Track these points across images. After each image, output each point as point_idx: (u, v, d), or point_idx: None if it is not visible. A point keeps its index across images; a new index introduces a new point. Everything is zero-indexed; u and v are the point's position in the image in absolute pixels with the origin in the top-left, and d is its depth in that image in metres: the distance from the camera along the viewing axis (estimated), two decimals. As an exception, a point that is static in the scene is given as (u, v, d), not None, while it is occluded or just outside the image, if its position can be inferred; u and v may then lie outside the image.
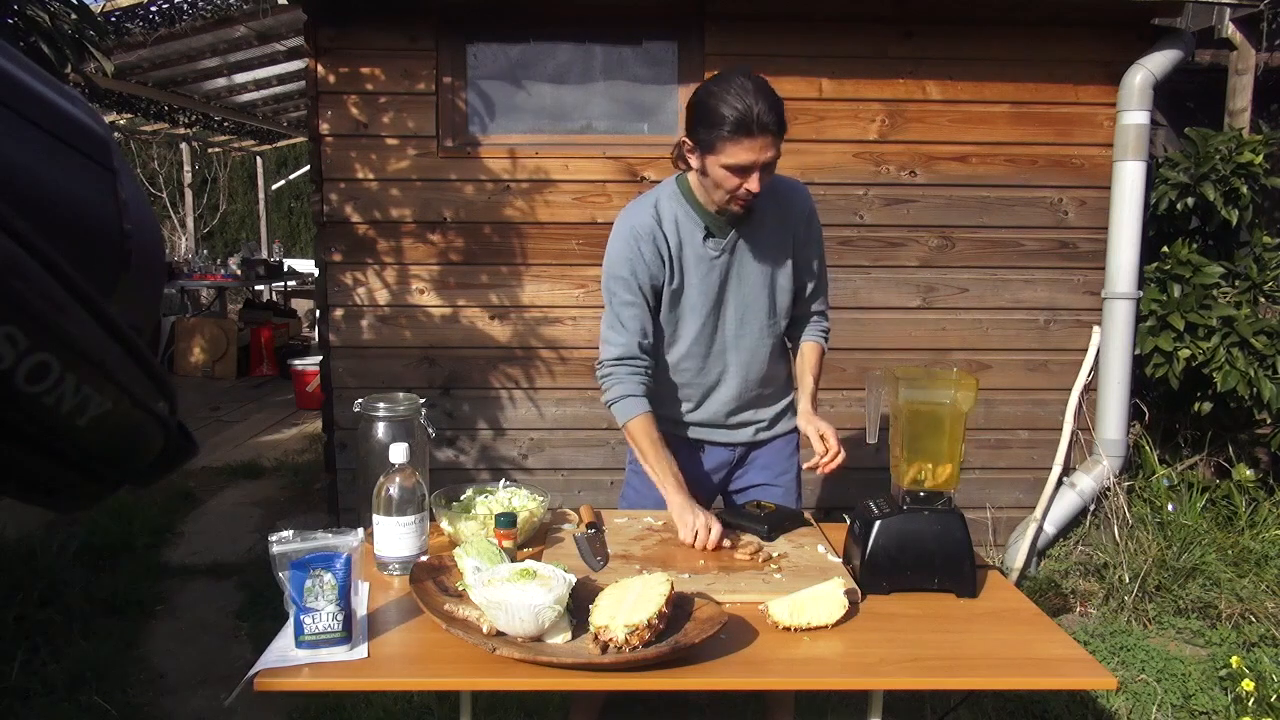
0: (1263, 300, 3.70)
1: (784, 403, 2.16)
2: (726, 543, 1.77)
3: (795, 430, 2.20)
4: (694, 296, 1.97)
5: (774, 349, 2.08)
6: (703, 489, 2.12)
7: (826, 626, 1.44)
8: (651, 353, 1.96)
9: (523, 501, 1.83)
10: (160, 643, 3.07)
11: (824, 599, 1.45)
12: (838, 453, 1.91)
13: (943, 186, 3.66)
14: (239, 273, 9.01)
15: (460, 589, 1.43)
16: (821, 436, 1.93)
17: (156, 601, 3.37)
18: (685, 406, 2.08)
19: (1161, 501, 3.64)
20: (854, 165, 3.63)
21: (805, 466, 1.97)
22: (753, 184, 1.80)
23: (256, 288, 9.28)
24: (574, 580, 1.38)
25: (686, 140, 1.87)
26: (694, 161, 1.87)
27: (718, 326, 2.01)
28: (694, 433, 2.10)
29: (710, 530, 1.76)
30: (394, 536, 1.61)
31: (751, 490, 2.12)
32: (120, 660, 2.88)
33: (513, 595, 1.30)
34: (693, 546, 1.77)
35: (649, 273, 1.93)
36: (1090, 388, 3.73)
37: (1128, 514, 3.58)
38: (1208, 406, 3.69)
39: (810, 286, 2.11)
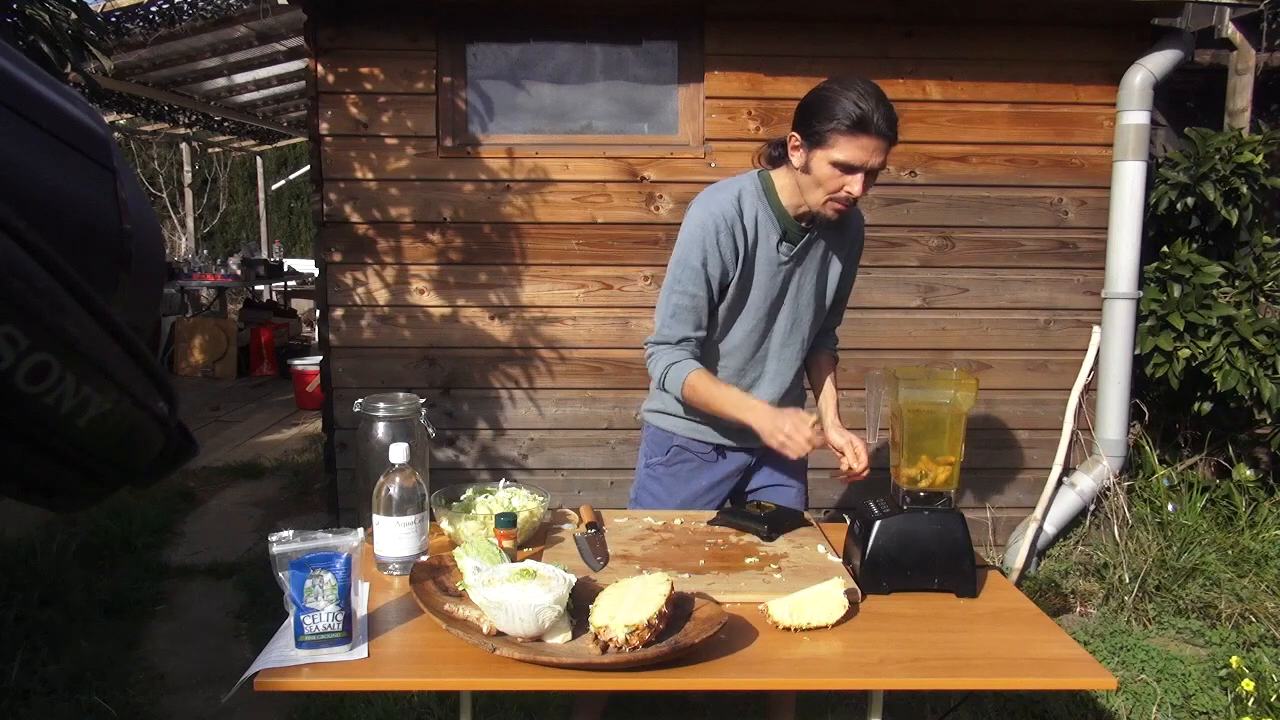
0: (1263, 300, 3.69)
1: (801, 404, 2.16)
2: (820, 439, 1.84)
3: None
4: (756, 297, 1.97)
5: (803, 358, 2.11)
6: (720, 494, 2.13)
7: (826, 626, 1.44)
8: (700, 344, 1.96)
9: (523, 501, 1.83)
10: (160, 643, 3.07)
11: (824, 599, 1.45)
12: (866, 466, 1.93)
13: (943, 186, 3.66)
14: (239, 273, 9.02)
15: (460, 589, 1.43)
16: (852, 445, 1.94)
17: (156, 601, 3.37)
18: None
19: (1161, 501, 3.64)
20: (854, 165, 3.63)
21: (837, 474, 1.97)
22: (855, 186, 1.80)
23: (256, 288, 9.28)
24: (574, 580, 1.38)
25: (794, 135, 1.86)
26: (797, 158, 1.86)
27: (768, 331, 2.02)
28: (716, 437, 2.08)
29: (801, 430, 1.80)
30: (394, 536, 1.61)
31: (763, 490, 2.13)
32: (120, 660, 2.88)
33: (513, 595, 1.30)
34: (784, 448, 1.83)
35: (721, 265, 1.90)
36: (1090, 388, 3.73)
37: (1128, 514, 3.58)
38: (1208, 406, 3.69)
39: (839, 303, 2.16)
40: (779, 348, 2.04)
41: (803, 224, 1.95)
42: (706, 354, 2.02)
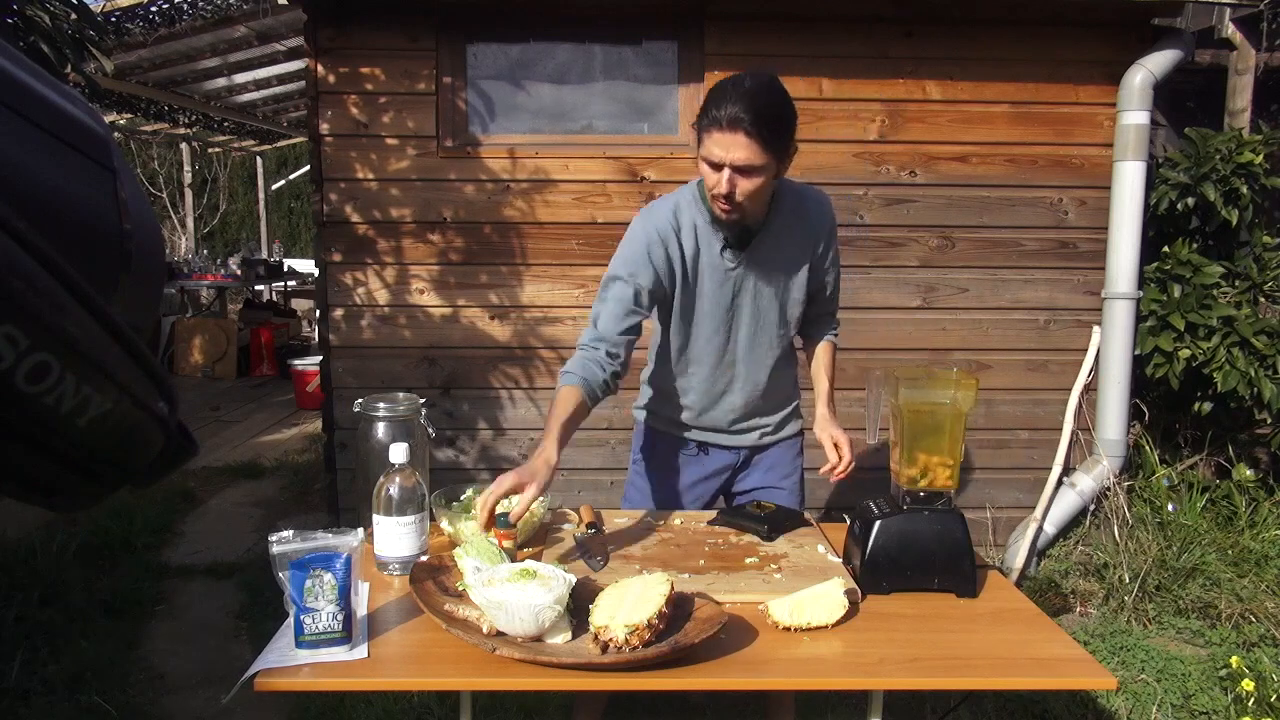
0: (1263, 300, 3.69)
1: (789, 408, 2.15)
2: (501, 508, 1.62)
3: (800, 433, 2.20)
4: (706, 306, 1.95)
5: (781, 356, 2.07)
6: (705, 491, 2.13)
7: (826, 626, 1.44)
8: (620, 352, 1.86)
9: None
10: (160, 643, 3.07)
11: (824, 599, 1.45)
12: (850, 462, 1.91)
13: (943, 186, 3.66)
14: (239, 273, 9.01)
15: (460, 589, 1.43)
16: (835, 445, 1.92)
17: (156, 601, 3.37)
18: (689, 413, 2.08)
19: (1161, 501, 3.63)
20: (854, 165, 3.63)
21: (820, 473, 1.96)
22: (723, 183, 1.74)
23: (256, 288, 9.28)
24: (574, 580, 1.38)
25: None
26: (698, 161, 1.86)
27: (730, 337, 1.99)
28: (697, 435, 2.10)
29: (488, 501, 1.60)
30: (394, 536, 1.61)
31: (756, 492, 2.12)
32: (120, 660, 2.88)
33: (513, 595, 1.30)
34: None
35: (653, 279, 1.87)
36: (1090, 388, 3.73)
37: (1128, 514, 3.58)
38: (1208, 406, 3.69)
39: (825, 295, 2.10)
40: (746, 352, 2.00)
41: (729, 229, 1.90)
42: (675, 366, 2.02)
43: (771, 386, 2.07)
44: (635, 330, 1.89)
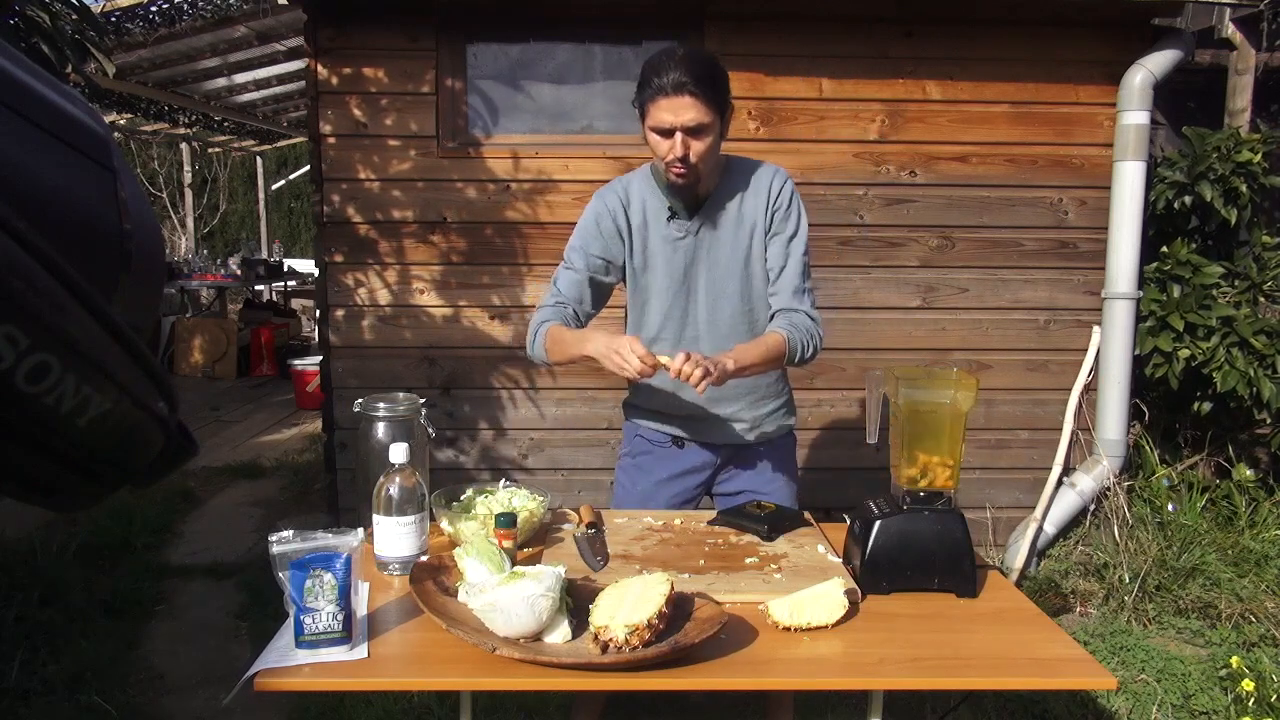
0: (1262, 300, 3.69)
1: (772, 405, 2.11)
2: (656, 360, 1.71)
3: (789, 435, 2.18)
4: (659, 278, 1.99)
5: (754, 337, 2.01)
6: (683, 487, 2.12)
7: (826, 626, 1.44)
8: (580, 311, 1.99)
9: (523, 501, 1.83)
10: (160, 643, 3.07)
11: (824, 599, 1.45)
12: (691, 367, 1.69)
13: (943, 186, 3.66)
14: (239, 273, 9.02)
15: (459, 585, 1.43)
16: (685, 358, 1.71)
17: (156, 601, 3.37)
18: (662, 400, 2.07)
19: (1161, 501, 3.64)
20: (854, 165, 3.63)
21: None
22: (678, 148, 1.82)
23: (256, 288, 9.28)
24: (563, 572, 1.38)
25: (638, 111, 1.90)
26: (645, 137, 1.91)
27: (688, 310, 2.00)
28: (674, 429, 2.09)
29: (636, 350, 1.70)
30: (394, 536, 1.61)
31: (740, 496, 2.10)
32: (120, 660, 2.88)
33: (504, 594, 1.30)
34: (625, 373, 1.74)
35: (603, 247, 1.98)
36: (1090, 388, 3.73)
37: (1128, 514, 3.58)
38: (1208, 406, 3.69)
39: (777, 275, 1.98)
40: (707, 326, 2.00)
41: (680, 198, 1.95)
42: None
43: (747, 382, 2.02)
44: (592, 299, 2.00)
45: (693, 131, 1.82)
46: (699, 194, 1.96)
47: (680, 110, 1.79)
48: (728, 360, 1.78)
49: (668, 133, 1.82)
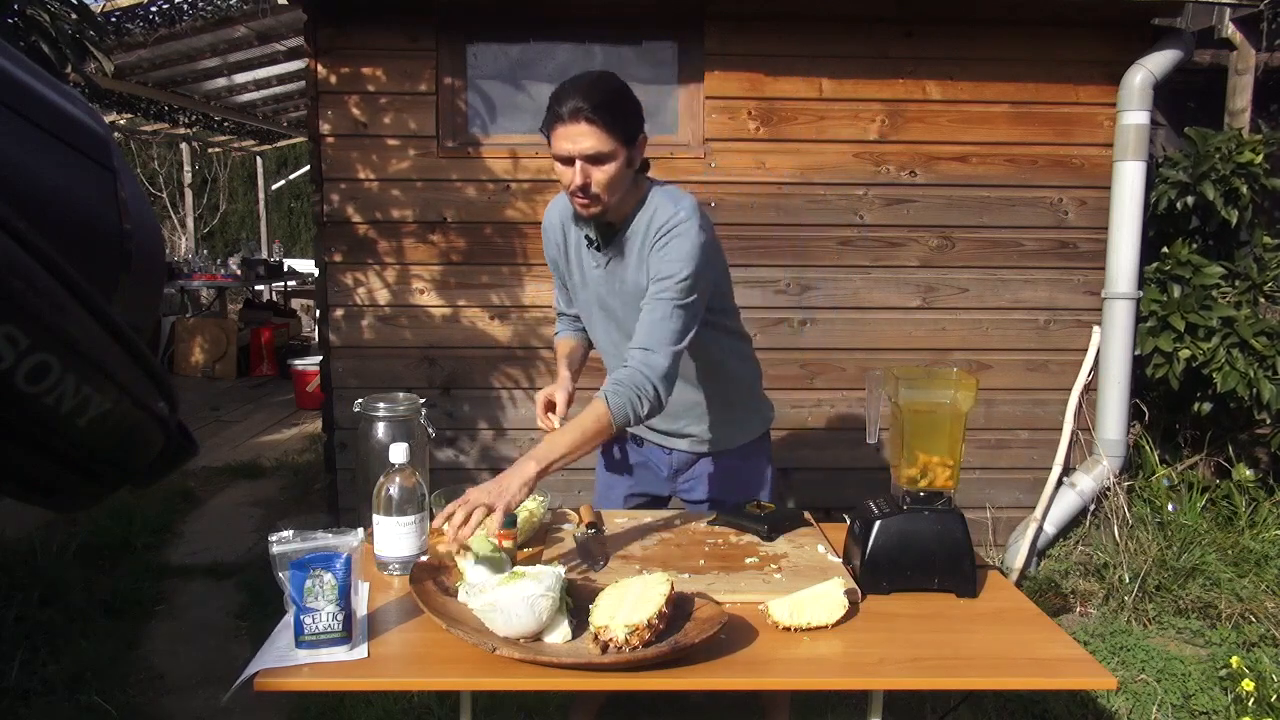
0: (1263, 300, 3.69)
1: (723, 417, 2.05)
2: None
3: (756, 445, 2.12)
4: (586, 299, 2.03)
5: (697, 366, 1.98)
6: (643, 482, 2.15)
7: (826, 626, 1.44)
8: (575, 317, 2.16)
9: (523, 501, 1.83)
10: (160, 643, 3.07)
11: (824, 599, 1.45)
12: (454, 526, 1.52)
13: (943, 186, 3.66)
14: (239, 273, 9.02)
15: (459, 586, 1.43)
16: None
17: (156, 601, 3.37)
18: None
19: (1161, 501, 3.64)
20: (854, 165, 3.63)
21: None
22: (577, 176, 1.75)
23: (256, 288, 9.28)
24: (563, 572, 1.38)
25: None
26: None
27: (608, 333, 2.01)
28: (639, 428, 2.06)
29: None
30: (394, 536, 1.61)
31: (704, 505, 2.09)
32: (120, 660, 2.88)
33: (504, 594, 1.30)
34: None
35: (554, 259, 2.09)
36: (1090, 388, 3.73)
37: (1128, 514, 3.58)
38: (1208, 407, 3.69)
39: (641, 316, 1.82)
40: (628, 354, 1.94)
41: (589, 227, 1.91)
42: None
43: (689, 397, 2.00)
44: (572, 301, 2.11)
45: (592, 160, 1.75)
46: (612, 223, 1.88)
47: (578, 138, 1.73)
48: (529, 465, 1.60)
49: (569, 161, 1.76)
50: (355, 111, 3.52)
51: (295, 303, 9.78)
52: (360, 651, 1.33)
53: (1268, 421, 3.72)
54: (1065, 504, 3.70)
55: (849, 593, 1.50)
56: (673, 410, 1.95)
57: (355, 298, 3.61)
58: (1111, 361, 3.64)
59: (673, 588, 1.36)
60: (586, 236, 1.93)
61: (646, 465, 2.14)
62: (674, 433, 2.07)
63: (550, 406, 2.03)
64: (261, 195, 12.35)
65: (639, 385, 1.73)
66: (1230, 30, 3.80)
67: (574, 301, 2.11)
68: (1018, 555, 3.61)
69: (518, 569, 1.40)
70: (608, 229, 1.90)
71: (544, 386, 2.09)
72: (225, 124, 9.04)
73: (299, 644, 1.31)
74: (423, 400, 1.92)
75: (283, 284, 9.69)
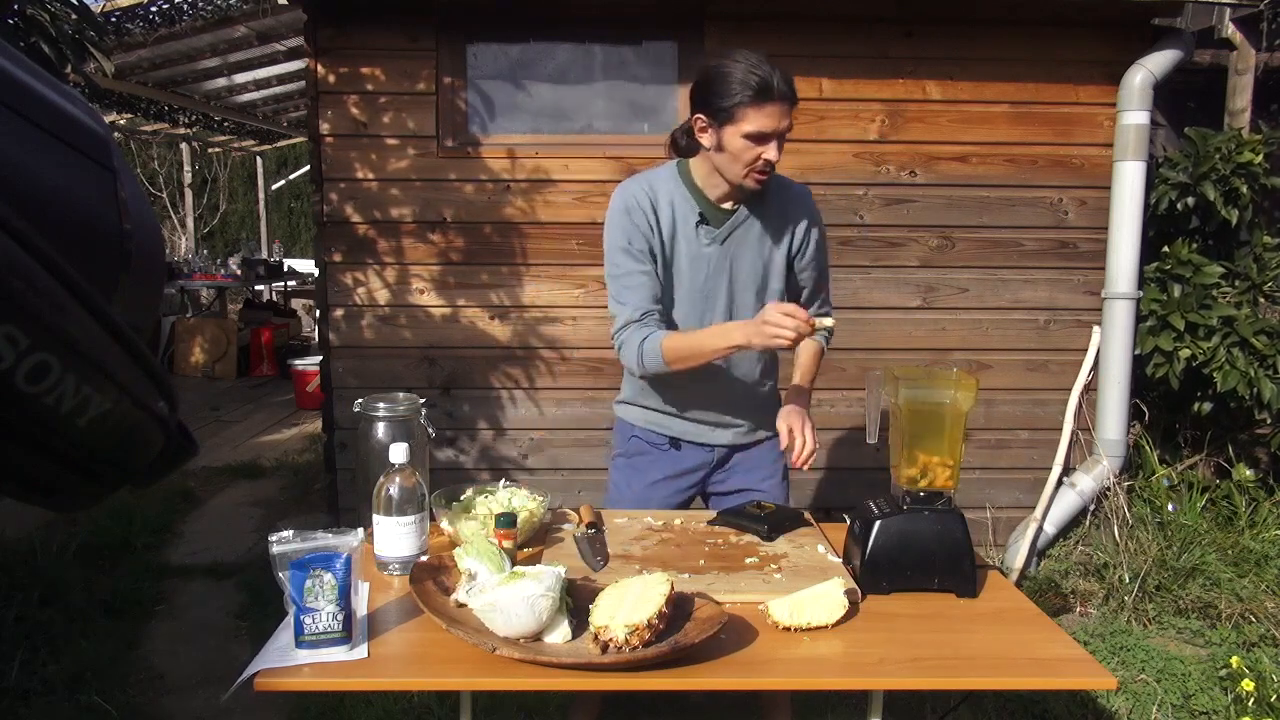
0: (1263, 300, 3.70)
1: (772, 405, 2.11)
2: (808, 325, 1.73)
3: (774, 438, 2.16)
4: (683, 282, 1.97)
5: (766, 355, 2.05)
6: (678, 488, 2.11)
7: (826, 626, 1.44)
8: (663, 317, 1.93)
9: (523, 501, 1.83)
10: (160, 643, 3.07)
11: (824, 599, 1.45)
12: (805, 444, 1.88)
13: (943, 186, 3.66)
14: (239, 273, 9.02)
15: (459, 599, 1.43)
16: (790, 430, 1.89)
17: (156, 601, 3.37)
18: (667, 404, 2.06)
19: (1161, 501, 3.64)
20: (854, 165, 3.63)
21: (790, 464, 1.97)
22: (771, 152, 1.82)
23: (256, 288, 9.28)
24: (564, 571, 1.38)
25: (699, 117, 1.85)
26: (708, 139, 1.85)
27: (704, 319, 1.98)
28: (674, 429, 2.08)
29: (785, 316, 1.70)
30: (394, 536, 1.61)
31: (735, 495, 2.10)
32: (120, 660, 2.88)
33: (504, 594, 1.30)
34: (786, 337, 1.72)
35: (645, 240, 1.91)
36: (1090, 388, 3.73)
37: (1128, 514, 3.58)
38: (1208, 406, 3.69)
39: (807, 292, 2.07)
40: None
41: (726, 206, 1.94)
42: None
43: (752, 382, 2.06)
44: (658, 295, 1.92)
45: (783, 137, 1.85)
46: (726, 208, 1.94)
47: (784, 116, 1.81)
48: (797, 416, 1.92)
49: (764, 138, 1.80)
50: (355, 111, 3.52)
51: (295, 303, 9.78)
52: (360, 651, 1.33)
53: (1268, 421, 3.72)
54: (1065, 504, 3.70)
55: (849, 593, 1.50)
56: (735, 397, 2.04)
57: (355, 298, 3.61)
58: (1111, 361, 3.64)
59: (673, 588, 1.35)
60: (701, 214, 1.94)
61: (682, 472, 2.10)
62: (725, 423, 2.07)
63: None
64: (261, 195, 12.35)
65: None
66: (1230, 30, 3.80)
67: (667, 286, 1.97)
68: (1018, 555, 3.61)
69: (518, 569, 1.39)
70: (720, 211, 1.94)
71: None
72: (225, 124, 9.04)
73: (299, 644, 1.31)
74: (423, 400, 1.92)
75: (283, 284, 9.69)
